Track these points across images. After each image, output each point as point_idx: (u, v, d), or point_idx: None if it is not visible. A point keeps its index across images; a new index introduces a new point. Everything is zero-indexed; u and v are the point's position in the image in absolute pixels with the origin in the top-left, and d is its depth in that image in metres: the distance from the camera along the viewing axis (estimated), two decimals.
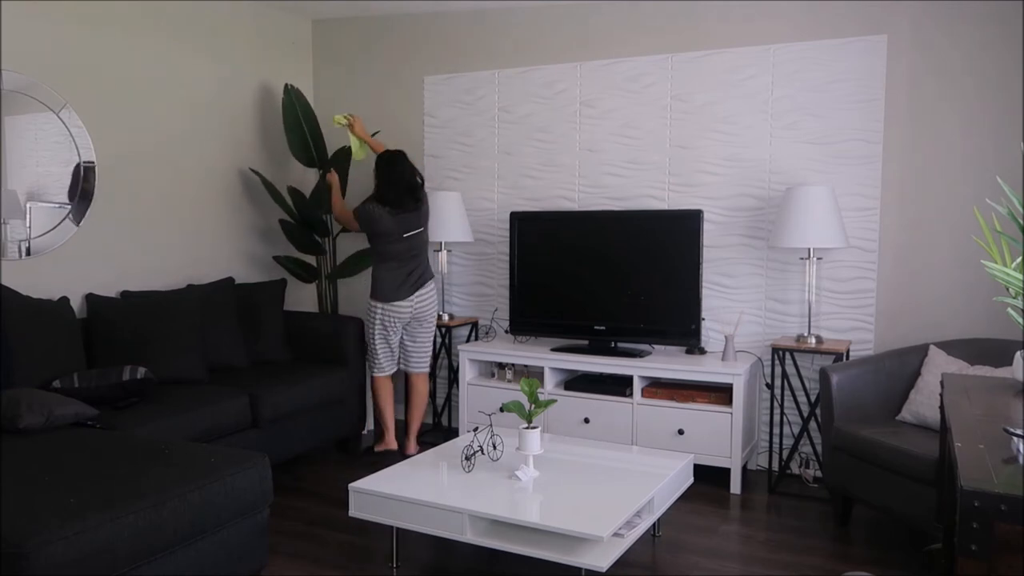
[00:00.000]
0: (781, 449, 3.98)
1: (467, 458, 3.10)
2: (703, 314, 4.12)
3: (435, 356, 4.86)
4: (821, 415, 3.50)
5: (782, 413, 3.97)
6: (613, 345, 4.26)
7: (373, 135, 5.00)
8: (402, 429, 4.55)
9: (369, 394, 4.55)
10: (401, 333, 4.27)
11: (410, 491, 2.87)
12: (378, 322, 4.20)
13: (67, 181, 3.82)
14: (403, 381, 4.49)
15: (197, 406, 3.43)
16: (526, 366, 4.45)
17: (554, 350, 4.27)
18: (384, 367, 4.29)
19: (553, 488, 2.92)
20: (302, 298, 5.23)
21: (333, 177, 4.50)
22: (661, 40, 4.29)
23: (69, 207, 3.82)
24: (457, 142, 4.86)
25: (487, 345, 4.52)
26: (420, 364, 4.36)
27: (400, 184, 4.13)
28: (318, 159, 4.84)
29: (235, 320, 4.18)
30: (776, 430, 4.11)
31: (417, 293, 4.20)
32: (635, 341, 4.24)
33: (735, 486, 3.85)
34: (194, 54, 4.45)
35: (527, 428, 3.01)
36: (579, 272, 4.29)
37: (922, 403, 3.28)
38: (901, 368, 3.49)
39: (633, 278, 4.16)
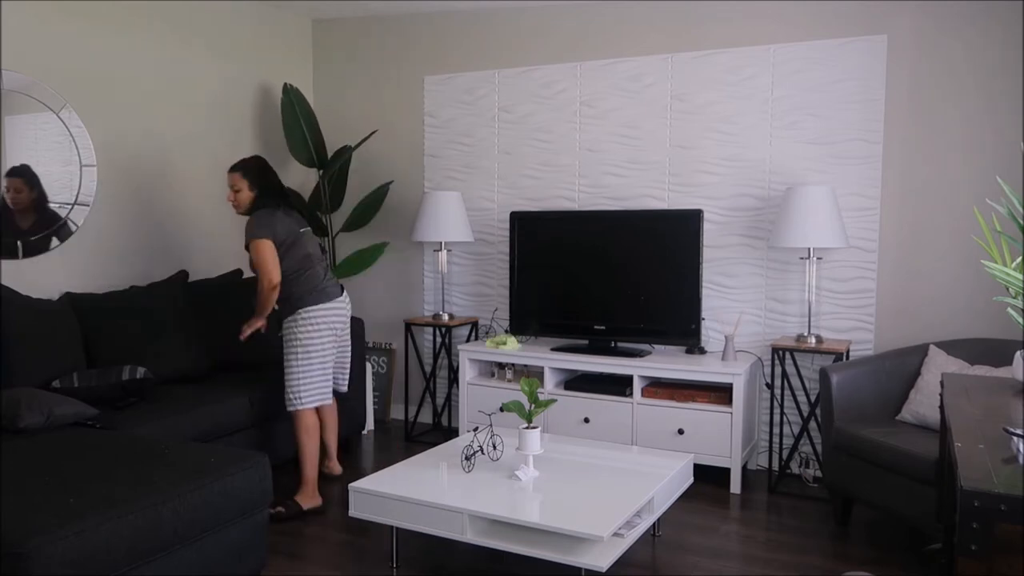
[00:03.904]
0: (781, 449, 3.98)
1: (467, 458, 3.10)
2: (703, 314, 4.12)
3: (435, 356, 4.86)
4: (821, 415, 3.50)
5: (782, 413, 3.97)
6: (613, 345, 4.26)
7: (371, 134, 5.01)
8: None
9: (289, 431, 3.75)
10: None
11: (410, 491, 2.87)
12: (323, 331, 3.57)
13: (67, 181, 3.82)
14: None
15: (197, 406, 3.43)
16: (526, 366, 4.45)
17: (554, 350, 4.27)
18: (326, 393, 3.65)
19: (553, 488, 2.92)
20: None
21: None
22: (661, 40, 4.29)
23: (69, 207, 3.82)
24: (457, 142, 4.86)
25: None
26: (346, 379, 3.88)
27: (277, 182, 3.71)
28: (318, 159, 4.84)
29: (236, 319, 4.16)
30: (776, 430, 4.11)
31: (345, 293, 3.75)
32: (635, 341, 4.24)
33: (735, 486, 3.85)
34: (194, 54, 4.45)
35: (527, 428, 3.01)
36: (579, 272, 4.28)
37: (922, 403, 3.28)
38: (901, 368, 3.49)
39: (633, 278, 4.16)
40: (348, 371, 3.87)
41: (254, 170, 3.63)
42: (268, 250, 3.48)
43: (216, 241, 4.63)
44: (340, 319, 3.66)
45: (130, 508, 2.23)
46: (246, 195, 3.60)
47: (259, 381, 3.84)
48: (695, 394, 3.93)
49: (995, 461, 1.55)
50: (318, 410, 3.72)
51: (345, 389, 3.89)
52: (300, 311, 3.55)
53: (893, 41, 3.81)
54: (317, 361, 3.57)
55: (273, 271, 3.48)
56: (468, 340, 4.84)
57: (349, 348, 3.84)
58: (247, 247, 3.53)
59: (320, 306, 3.57)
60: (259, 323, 3.61)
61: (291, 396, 3.57)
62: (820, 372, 3.45)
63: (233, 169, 3.62)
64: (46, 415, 2.92)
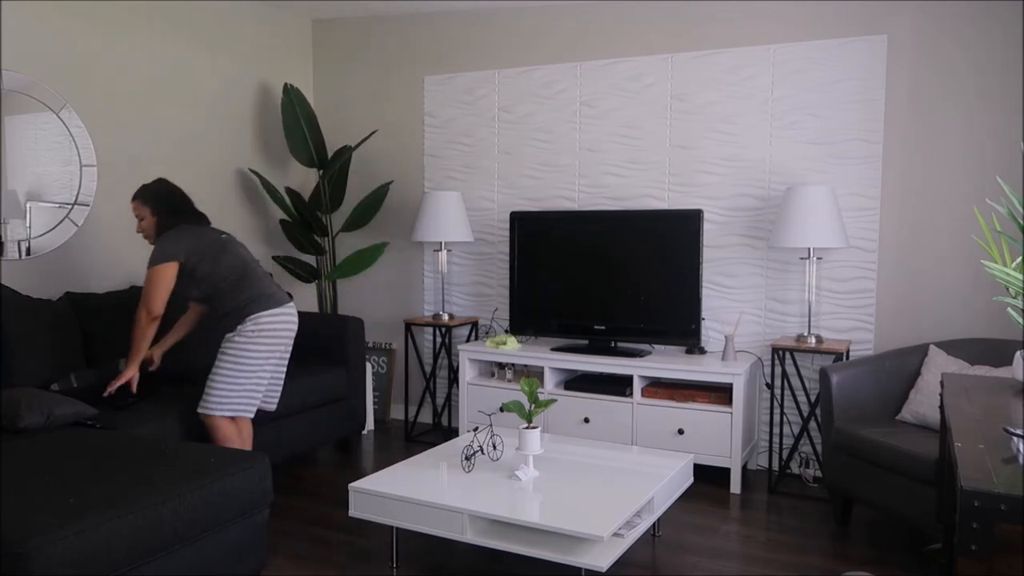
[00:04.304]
0: (781, 449, 3.98)
1: (467, 458, 3.10)
2: (703, 314, 4.12)
3: (435, 356, 4.86)
4: (821, 415, 3.50)
5: (782, 413, 3.97)
6: (613, 345, 4.26)
7: (371, 134, 5.01)
8: None
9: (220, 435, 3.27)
10: None
11: (410, 491, 2.87)
12: (270, 341, 3.23)
13: (67, 181, 3.82)
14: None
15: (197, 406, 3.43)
16: (526, 366, 4.45)
17: (554, 350, 4.27)
18: (251, 407, 3.28)
19: (553, 488, 2.92)
20: (302, 298, 5.23)
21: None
22: (661, 40, 4.29)
23: (69, 207, 3.82)
24: (457, 142, 4.86)
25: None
26: (277, 395, 3.50)
27: (183, 201, 3.42)
28: (318, 159, 4.84)
29: None
30: (776, 430, 4.11)
31: (293, 302, 3.40)
32: (635, 341, 4.24)
33: (735, 486, 3.85)
34: (194, 54, 4.45)
35: (527, 428, 3.01)
36: (579, 272, 4.28)
37: (922, 403, 3.28)
38: (901, 368, 3.49)
39: (633, 278, 4.16)
40: (281, 390, 3.49)
41: (153, 194, 3.34)
42: (164, 278, 3.17)
43: None
44: (289, 329, 3.31)
45: (130, 508, 2.23)
46: (149, 221, 3.32)
47: None
48: (695, 394, 3.93)
49: (995, 461, 1.55)
50: (235, 424, 3.30)
51: (274, 408, 3.49)
52: (248, 319, 3.20)
53: (893, 41, 3.81)
54: (254, 372, 3.23)
55: (157, 302, 3.17)
56: (468, 340, 4.84)
57: (286, 365, 3.45)
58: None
59: (270, 311, 3.23)
60: (132, 373, 3.24)
61: (208, 401, 3.20)
62: (820, 372, 3.45)
63: (134, 197, 3.37)
64: (46, 415, 2.92)
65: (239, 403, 3.23)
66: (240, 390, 3.22)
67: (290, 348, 3.40)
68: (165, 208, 3.33)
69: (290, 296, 3.38)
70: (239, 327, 3.21)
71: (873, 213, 3.90)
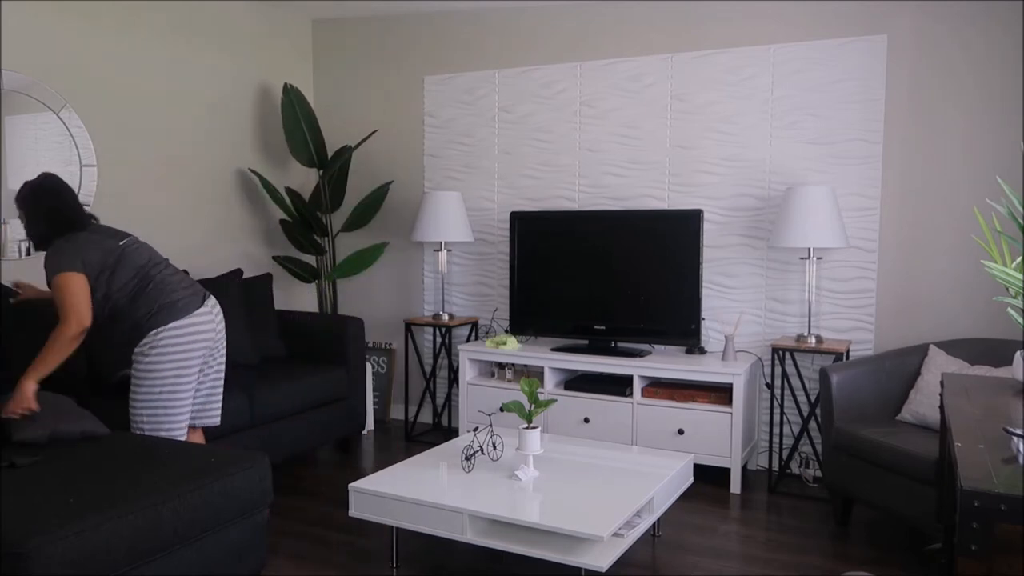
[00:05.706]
0: (781, 449, 3.98)
1: (467, 458, 3.10)
2: (703, 314, 4.12)
3: (435, 356, 4.85)
4: (821, 415, 3.50)
5: (782, 413, 3.97)
6: (613, 345, 4.26)
7: (371, 134, 5.01)
8: None
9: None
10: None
11: (410, 491, 2.87)
12: (181, 354, 2.88)
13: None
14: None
15: None
16: (526, 366, 4.44)
17: (554, 350, 4.27)
18: (180, 429, 2.95)
19: (553, 488, 2.92)
20: (302, 298, 5.23)
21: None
22: (661, 40, 4.29)
23: None
24: (457, 142, 4.86)
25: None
26: (217, 410, 3.14)
27: (68, 202, 2.95)
28: (318, 159, 4.84)
29: (235, 319, 4.16)
30: (776, 430, 4.11)
31: (213, 300, 3.03)
32: (635, 341, 4.24)
33: (735, 486, 3.85)
34: (194, 54, 4.45)
35: (527, 428, 3.01)
36: (579, 272, 4.29)
37: (922, 403, 3.28)
38: (901, 368, 3.49)
39: (633, 278, 4.16)
40: (220, 401, 3.14)
41: (30, 198, 2.91)
42: (79, 284, 2.78)
43: (216, 241, 4.63)
44: (206, 336, 2.94)
45: (130, 508, 2.23)
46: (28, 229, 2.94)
47: (259, 381, 3.84)
48: (695, 394, 3.93)
49: (995, 461, 1.55)
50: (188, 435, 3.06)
51: (217, 422, 3.15)
52: (149, 335, 2.86)
53: (893, 41, 3.82)
54: (168, 389, 2.88)
55: (85, 311, 2.78)
56: (468, 340, 4.84)
57: (223, 373, 3.11)
58: (49, 285, 2.82)
59: (172, 325, 2.86)
60: (32, 387, 2.77)
61: (136, 423, 2.92)
62: (820, 372, 3.45)
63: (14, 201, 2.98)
64: (49, 431, 2.76)
65: (163, 422, 2.90)
66: (160, 408, 2.89)
67: (217, 354, 3.06)
68: (44, 211, 2.89)
69: (204, 296, 3.01)
70: (142, 342, 2.88)
71: (873, 213, 3.90)
